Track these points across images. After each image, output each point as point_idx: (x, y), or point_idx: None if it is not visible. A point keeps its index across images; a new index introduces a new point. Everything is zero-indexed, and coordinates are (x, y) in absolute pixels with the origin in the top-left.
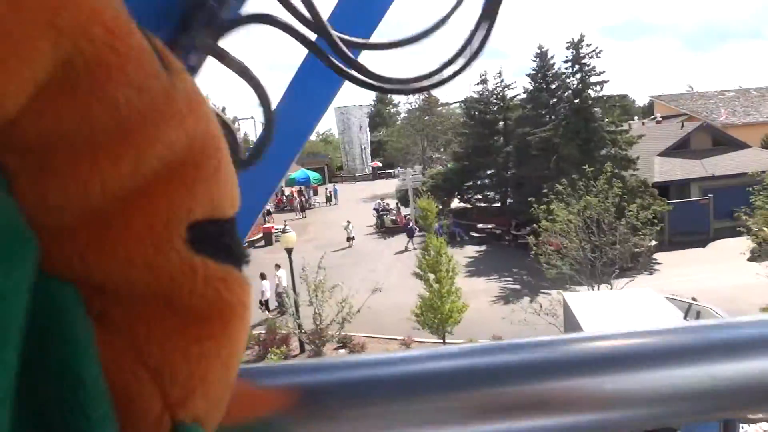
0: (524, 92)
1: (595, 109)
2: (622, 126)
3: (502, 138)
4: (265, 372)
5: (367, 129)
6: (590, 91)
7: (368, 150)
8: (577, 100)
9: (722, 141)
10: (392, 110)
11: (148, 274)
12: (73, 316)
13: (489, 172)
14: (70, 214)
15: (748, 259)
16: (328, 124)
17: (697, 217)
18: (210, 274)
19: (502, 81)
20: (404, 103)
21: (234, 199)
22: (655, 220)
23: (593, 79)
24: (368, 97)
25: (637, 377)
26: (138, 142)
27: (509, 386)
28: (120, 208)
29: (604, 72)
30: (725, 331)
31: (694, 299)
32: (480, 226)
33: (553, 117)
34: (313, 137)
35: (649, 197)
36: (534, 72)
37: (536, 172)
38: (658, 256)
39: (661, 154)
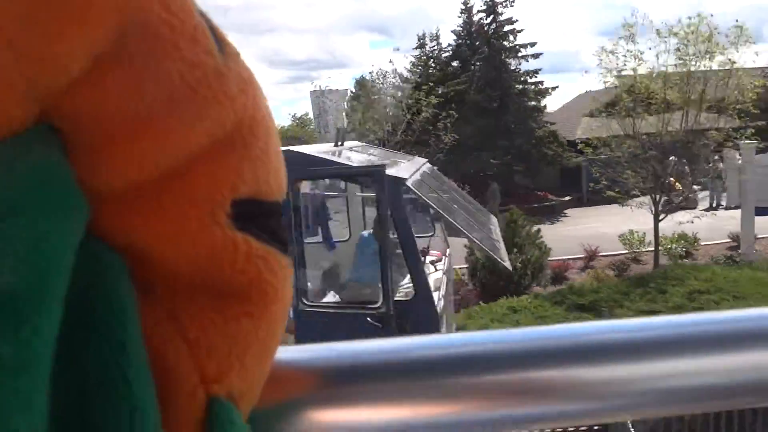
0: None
1: (510, 60)
2: (535, 75)
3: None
4: (289, 354)
5: (344, 113)
6: (505, 42)
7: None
8: (492, 51)
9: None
10: (373, 97)
11: (191, 246)
12: (117, 279)
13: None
14: (120, 184)
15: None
16: (304, 107)
17: (618, 173)
18: (251, 252)
19: (438, 44)
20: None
21: (281, 184)
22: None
23: (507, 28)
24: (347, 81)
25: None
26: (188, 116)
27: (515, 373)
28: (168, 181)
29: (517, 21)
30: (717, 325)
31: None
32: None
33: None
34: (288, 120)
35: (557, 147)
36: (459, 28)
37: (453, 128)
38: (570, 211)
39: (589, 114)
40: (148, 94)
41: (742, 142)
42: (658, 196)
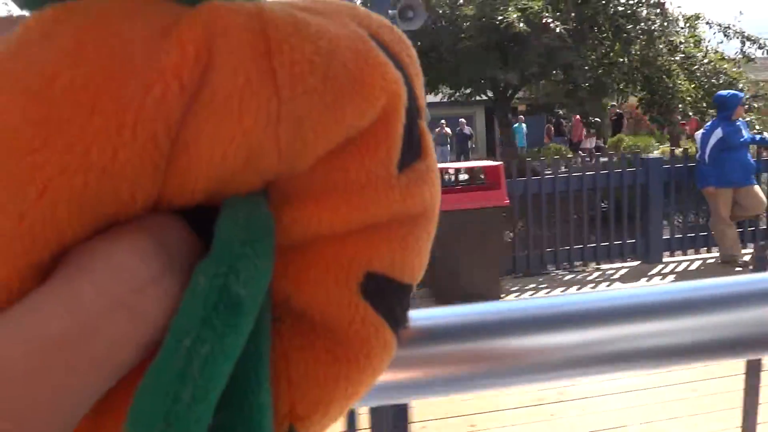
0: None
1: None
2: None
3: None
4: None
5: None
6: None
7: None
8: None
9: None
10: None
11: (324, 296)
12: (265, 313)
13: None
14: (291, 238)
15: None
16: None
17: None
18: (367, 318)
19: None
20: None
21: (415, 271)
22: None
23: None
24: None
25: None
26: (361, 202)
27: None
28: (323, 242)
29: None
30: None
31: None
32: None
33: None
34: None
35: None
36: None
37: None
38: None
39: None
40: (346, 181)
41: None
42: None
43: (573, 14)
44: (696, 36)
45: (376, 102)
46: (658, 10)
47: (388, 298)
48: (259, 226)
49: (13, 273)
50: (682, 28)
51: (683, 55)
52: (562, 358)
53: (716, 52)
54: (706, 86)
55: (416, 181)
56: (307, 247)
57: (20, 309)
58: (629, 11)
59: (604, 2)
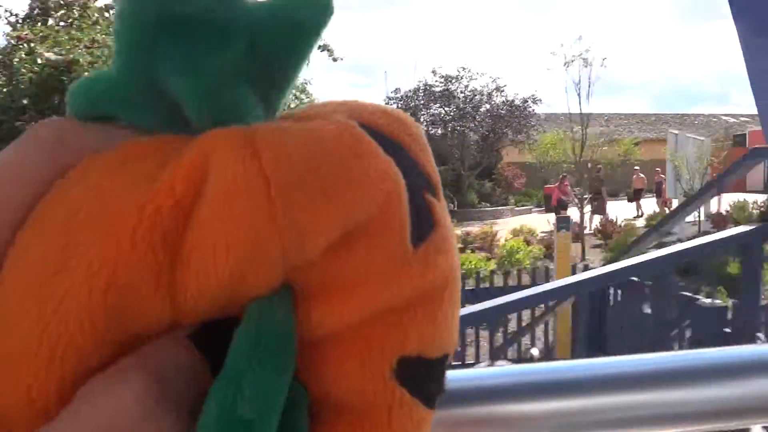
0: None
1: None
2: None
3: None
4: None
5: None
6: None
7: None
8: None
9: None
10: None
11: (360, 389)
12: (300, 409)
13: None
14: (320, 333)
15: None
16: None
17: None
18: (404, 402)
19: None
20: None
21: (446, 342)
22: None
23: None
24: None
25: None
26: (382, 286)
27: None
28: (349, 333)
29: None
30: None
31: None
32: None
33: None
34: None
35: None
36: None
37: None
38: None
39: None
40: (362, 266)
41: None
42: None
43: None
44: None
45: (368, 190)
46: None
47: (422, 377)
48: (270, 335)
49: (43, 392)
50: None
51: None
52: (555, 424)
53: None
54: None
55: (434, 252)
56: (339, 340)
57: None
58: None
59: None
